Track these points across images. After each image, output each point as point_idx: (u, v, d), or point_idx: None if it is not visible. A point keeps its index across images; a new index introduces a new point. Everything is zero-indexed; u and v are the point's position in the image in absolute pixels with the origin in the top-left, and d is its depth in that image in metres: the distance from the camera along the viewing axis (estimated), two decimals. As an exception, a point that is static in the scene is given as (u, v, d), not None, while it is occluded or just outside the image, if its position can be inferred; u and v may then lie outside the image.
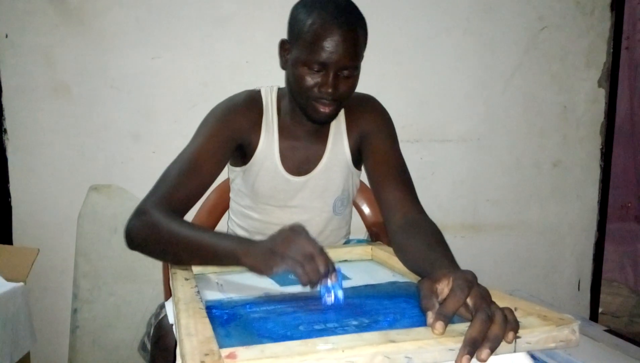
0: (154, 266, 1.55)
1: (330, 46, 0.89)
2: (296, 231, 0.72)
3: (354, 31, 0.91)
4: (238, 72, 1.60)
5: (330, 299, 0.70)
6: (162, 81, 1.57)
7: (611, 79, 1.88)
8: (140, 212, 0.88)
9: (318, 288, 0.71)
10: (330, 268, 0.69)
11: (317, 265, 0.68)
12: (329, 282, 0.70)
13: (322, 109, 0.95)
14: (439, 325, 0.54)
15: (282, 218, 1.07)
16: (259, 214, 1.09)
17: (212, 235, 0.82)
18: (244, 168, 1.06)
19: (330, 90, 0.92)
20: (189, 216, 1.22)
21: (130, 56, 1.54)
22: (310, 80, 0.92)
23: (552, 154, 1.89)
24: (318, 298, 0.74)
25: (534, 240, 1.91)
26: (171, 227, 0.83)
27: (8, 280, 1.36)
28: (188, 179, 0.93)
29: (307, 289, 0.72)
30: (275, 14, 1.56)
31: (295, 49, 0.93)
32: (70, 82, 1.53)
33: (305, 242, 0.70)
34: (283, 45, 0.99)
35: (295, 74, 0.94)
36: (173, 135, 1.54)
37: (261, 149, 1.03)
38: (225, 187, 1.24)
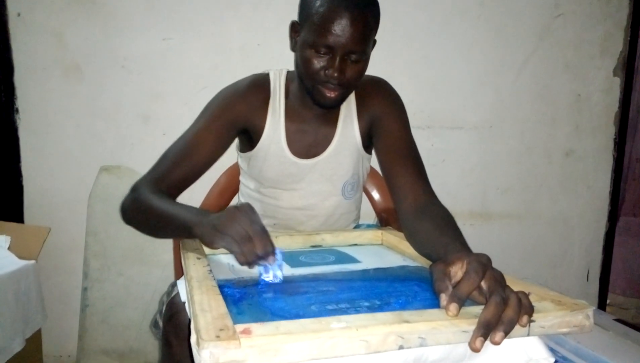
0: (163, 248, 1.56)
1: (337, 29, 0.87)
2: (242, 211, 0.72)
3: (363, 15, 0.88)
4: (249, 55, 1.58)
5: (268, 277, 0.71)
6: (172, 63, 1.56)
7: (627, 68, 1.85)
8: (133, 189, 0.94)
9: (256, 269, 0.71)
10: (269, 250, 0.69)
11: (254, 246, 0.68)
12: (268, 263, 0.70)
13: (327, 94, 0.93)
14: (453, 306, 0.54)
15: (290, 201, 1.07)
16: (267, 197, 1.09)
17: (179, 208, 0.84)
18: (250, 153, 1.06)
19: (336, 74, 0.90)
20: (199, 199, 1.24)
21: (141, 37, 1.54)
22: (316, 63, 0.91)
23: (564, 144, 1.87)
24: (328, 280, 0.74)
25: (544, 230, 1.90)
26: (151, 202, 0.87)
27: (20, 257, 1.38)
28: (183, 161, 0.96)
29: (318, 270, 0.72)
30: (288, -4, 1.55)
31: (304, 31, 0.92)
32: (81, 62, 1.53)
33: (247, 223, 0.70)
34: (293, 26, 0.98)
35: (302, 56, 0.93)
36: (183, 117, 1.51)
37: (267, 133, 1.03)
38: (236, 170, 1.23)
